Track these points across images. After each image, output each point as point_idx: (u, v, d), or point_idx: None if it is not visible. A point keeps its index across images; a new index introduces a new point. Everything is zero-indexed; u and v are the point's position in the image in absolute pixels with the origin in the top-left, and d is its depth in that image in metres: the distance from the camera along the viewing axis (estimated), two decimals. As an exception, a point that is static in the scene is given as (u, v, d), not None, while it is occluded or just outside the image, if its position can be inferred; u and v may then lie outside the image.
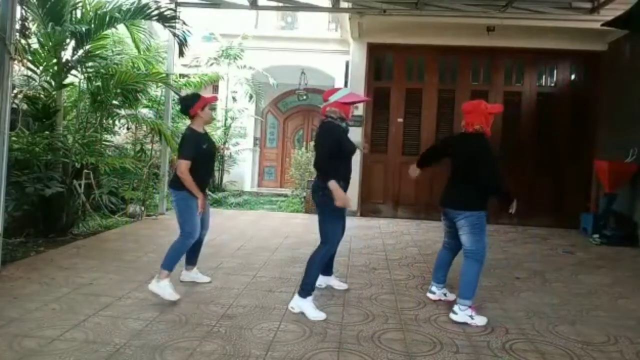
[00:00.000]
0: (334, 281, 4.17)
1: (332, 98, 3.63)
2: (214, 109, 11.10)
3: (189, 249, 3.93)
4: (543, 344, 3.15)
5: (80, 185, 6.11)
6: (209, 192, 9.97)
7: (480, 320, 3.43)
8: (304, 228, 7.19)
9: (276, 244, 5.93)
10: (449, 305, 3.73)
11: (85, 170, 6.22)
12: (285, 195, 10.90)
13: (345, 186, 3.60)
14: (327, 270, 4.10)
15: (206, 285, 4.10)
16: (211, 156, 4.07)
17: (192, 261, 4.16)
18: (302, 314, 3.46)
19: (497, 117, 8.35)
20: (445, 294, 3.93)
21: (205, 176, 3.98)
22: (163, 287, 3.62)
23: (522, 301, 4.06)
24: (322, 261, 3.63)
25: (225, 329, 3.16)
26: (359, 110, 8.63)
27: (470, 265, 3.53)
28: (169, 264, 3.70)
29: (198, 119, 3.85)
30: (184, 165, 3.67)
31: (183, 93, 7.92)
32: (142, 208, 7.46)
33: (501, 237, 7.20)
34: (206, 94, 11.01)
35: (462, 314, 3.44)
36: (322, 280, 3.98)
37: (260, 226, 7.29)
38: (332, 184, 3.42)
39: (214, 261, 4.94)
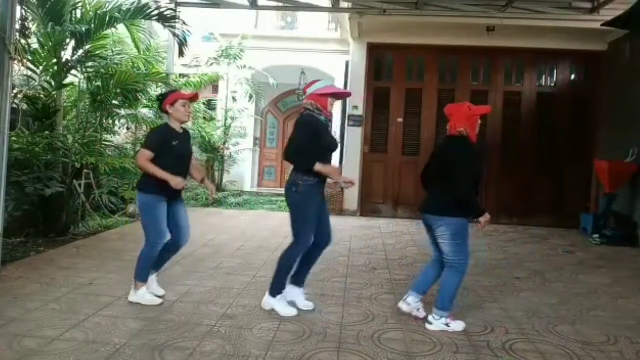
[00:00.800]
0: (300, 298, 3.63)
1: (309, 90, 3.51)
2: (214, 108, 11.20)
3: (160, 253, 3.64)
4: (543, 344, 3.14)
5: (80, 185, 6.11)
6: (214, 196, 9.98)
7: (457, 326, 3.30)
8: (304, 228, 7.18)
9: (276, 244, 5.92)
10: (458, 308, 3.61)
11: (85, 170, 6.22)
12: (285, 196, 10.88)
13: (325, 179, 3.44)
14: (298, 280, 3.65)
15: (206, 285, 4.10)
16: (182, 157, 3.63)
17: (156, 267, 3.75)
18: (274, 311, 3.47)
19: (497, 118, 8.49)
20: (418, 309, 3.51)
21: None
22: (141, 296, 3.53)
23: (522, 301, 4.06)
24: (291, 261, 3.47)
25: (225, 329, 3.16)
26: (359, 110, 8.64)
27: (451, 276, 3.33)
28: (141, 275, 3.56)
29: (171, 115, 3.60)
30: (142, 155, 3.43)
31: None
32: (142, 208, 7.45)
33: (501, 237, 7.20)
34: (206, 93, 11.02)
35: (437, 323, 3.30)
36: (288, 293, 3.58)
37: (260, 226, 7.29)
38: (318, 167, 3.29)
39: (214, 261, 4.94)
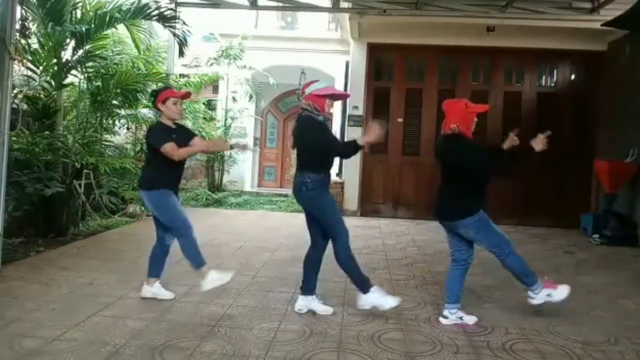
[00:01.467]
0: (316, 304, 3.57)
1: (307, 90, 3.50)
2: (214, 108, 11.20)
3: (153, 257, 3.72)
4: (543, 344, 3.14)
5: (80, 185, 6.11)
6: (209, 192, 9.99)
7: (560, 294, 3.39)
8: (304, 228, 7.15)
9: (276, 244, 5.93)
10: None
11: (85, 170, 6.22)
12: (285, 195, 10.88)
13: (329, 176, 3.53)
14: (309, 288, 3.57)
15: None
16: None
17: (156, 272, 3.75)
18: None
19: (497, 118, 8.48)
20: (461, 317, 3.42)
21: (173, 174, 3.65)
22: (212, 279, 3.50)
23: (522, 301, 4.04)
24: (349, 255, 3.42)
25: (225, 329, 3.16)
26: (359, 110, 8.64)
27: (510, 261, 3.38)
28: (197, 262, 3.53)
29: (163, 113, 3.62)
30: (170, 149, 3.43)
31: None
32: (142, 208, 7.46)
33: (501, 237, 7.19)
34: (206, 93, 11.02)
35: (540, 296, 3.42)
36: (301, 304, 3.53)
37: (260, 226, 7.29)
38: (361, 140, 3.31)
39: (213, 261, 4.92)
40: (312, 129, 3.42)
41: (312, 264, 3.59)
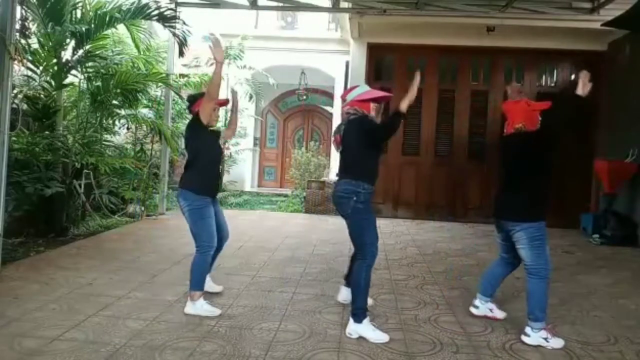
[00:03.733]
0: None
1: (349, 97, 3.36)
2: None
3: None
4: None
5: (80, 185, 6.11)
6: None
7: (556, 343, 3.09)
8: (304, 228, 7.20)
9: (276, 244, 5.93)
10: (458, 308, 3.68)
11: (85, 170, 6.22)
12: (285, 195, 10.90)
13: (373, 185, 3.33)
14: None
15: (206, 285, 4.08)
16: (217, 155, 3.68)
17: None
18: (362, 337, 3.11)
19: (497, 118, 8.47)
20: (491, 310, 3.50)
21: (214, 176, 3.64)
22: (199, 307, 3.39)
23: (522, 301, 4.04)
24: (368, 279, 3.19)
25: (225, 329, 3.16)
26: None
27: (535, 283, 3.17)
28: (196, 285, 3.43)
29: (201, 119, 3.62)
30: (208, 96, 3.44)
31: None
32: (142, 208, 7.46)
33: (501, 237, 7.19)
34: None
35: (535, 336, 3.12)
36: (344, 295, 3.54)
37: (260, 226, 7.30)
38: (402, 106, 3.18)
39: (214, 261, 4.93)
40: (364, 123, 3.26)
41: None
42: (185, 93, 8.96)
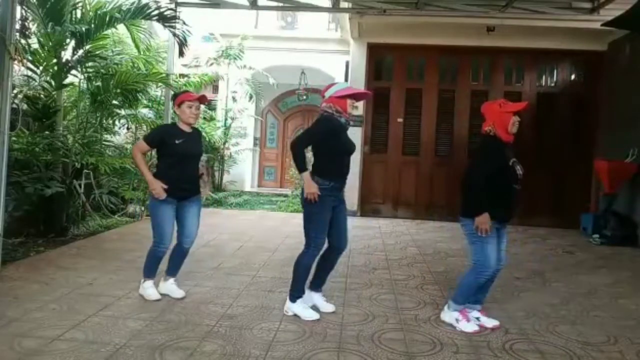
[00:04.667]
0: (319, 300, 3.64)
1: (327, 93, 3.44)
2: (214, 108, 11.19)
3: (170, 257, 3.75)
4: (543, 344, 3.14)
5: (80, 185, 6.11)
6: (210, 193, 9.97)
7: (465, 327, 3.29)
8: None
9: (276, 244, 5.93)
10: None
11: (85, 170, 6.22)
12: (285, 195, 10.89)
13: (341, 183, 3.46)
14: (316, 285, 3.65)
15: (206, 285, 4.09)
16: (187, 157, 3.61)
17: (170, 271, 3.80)
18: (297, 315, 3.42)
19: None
20: (478, 319, 3.45)
21: (178, 178, 3.54)
22: (145, 288, 3.68)
23: (522, 301, 4.06)
24: (310, 265, 3.47)
25: (225, 329, 3.16)
26: (359, 110, 8.63)
27: (469, 273, 3.41)
28: (146, 271, 3.72)
29: (179, 116, 3.66)
30: (137, 145, 3.60)
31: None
32: (142, 208, 7.46)
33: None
34: (206, 93, 11.04)
35: (449, 313, 3.41)
36: (307, 298, 3.56)
37: (260, 226, 7.29)
38: (306, 175, 3.33)
39: (214, 261, 4.94)
40: (319, 123, 3.41)
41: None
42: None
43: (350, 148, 3.50)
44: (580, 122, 8.42)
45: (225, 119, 10.94)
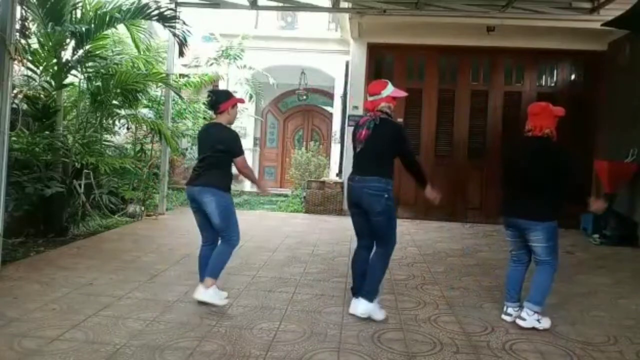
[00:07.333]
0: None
1: (385, 92, 3.46)
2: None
3: (203, 261, 3.68)
4: (543, 344, 3.14)
5: (80, 185, 6.11)
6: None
7: (547, 323, 3.39)
8: (304, 228, 7.19)
9: (276, 244, 5.93)
10: (458, 308, 3.67)
11: (85, 170, 6.21)
12: (285, 195, 10.89)
13: None
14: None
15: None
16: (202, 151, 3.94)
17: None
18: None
19: (497, 118, 8.49)
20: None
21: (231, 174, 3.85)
22: (211, 295, 3.50)
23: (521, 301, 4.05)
24: (387, 264, 3.57)
25: (225, 329, 3.16)
26: (359, 110, 8.64)
27: (545, 271, 3.52)
28: (216, 272, 3.55)
29: (225, 116, 3.80)
30: (246, 161, 3.78)
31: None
32: (142, 208, 7.46)
33: (501, 237, 7.17)
34: (206, 93, 11.08)
35: (530, 319, 3.37)
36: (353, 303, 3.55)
37: (260, 226, 7.29)
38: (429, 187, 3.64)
39: (214, 261, 4.93)
40: (403, 131, 3.65)
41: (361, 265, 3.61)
42: (185, 93, 8.97)
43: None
44: (580, 122, 8.41)
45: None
